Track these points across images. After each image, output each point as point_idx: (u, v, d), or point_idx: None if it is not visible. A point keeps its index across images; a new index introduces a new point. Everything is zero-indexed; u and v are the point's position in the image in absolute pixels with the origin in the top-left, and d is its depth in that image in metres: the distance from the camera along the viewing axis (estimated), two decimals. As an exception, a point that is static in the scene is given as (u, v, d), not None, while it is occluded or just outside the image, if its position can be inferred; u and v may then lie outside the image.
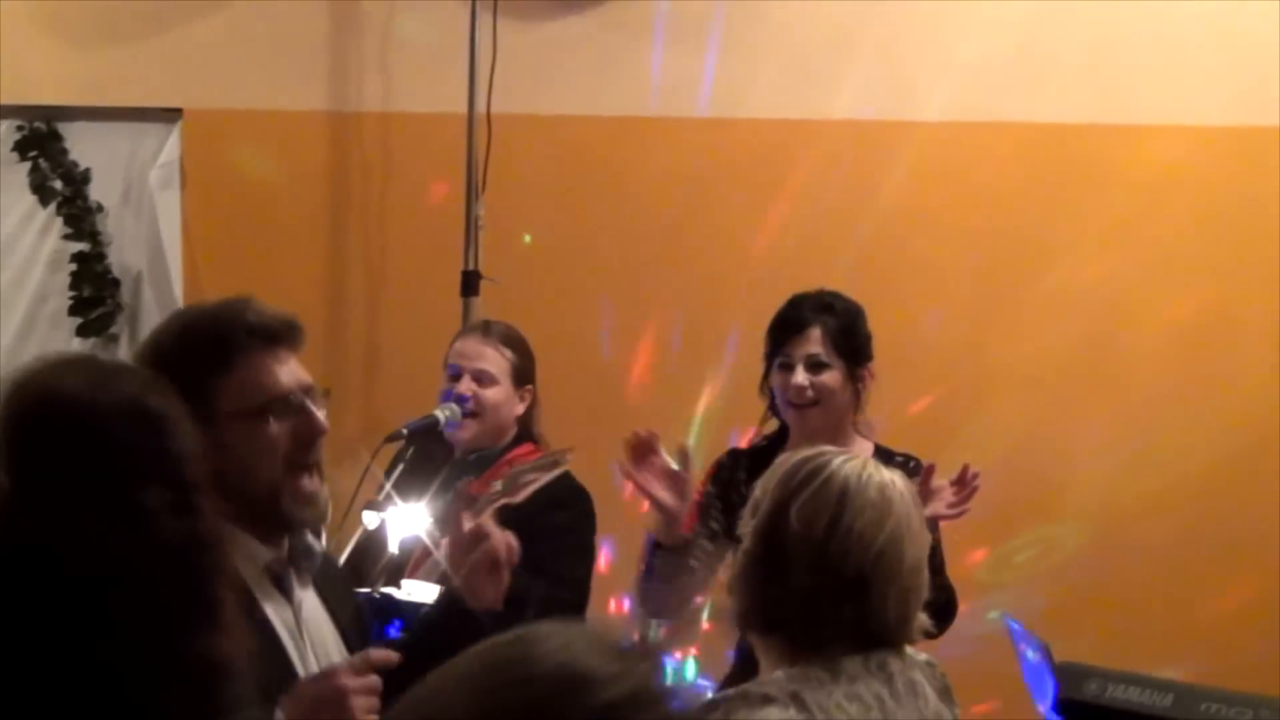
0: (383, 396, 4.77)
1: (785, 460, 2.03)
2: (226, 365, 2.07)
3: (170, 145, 4.99)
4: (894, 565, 1.95)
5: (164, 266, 4.82)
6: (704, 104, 4.65)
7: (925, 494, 3.03)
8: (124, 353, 4.71)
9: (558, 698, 1.02)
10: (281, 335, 2.14)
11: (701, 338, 4.59)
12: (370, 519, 3.16)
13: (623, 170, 4.68)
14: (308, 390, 2.14)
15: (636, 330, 4.62)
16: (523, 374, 3.59)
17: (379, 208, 4.93)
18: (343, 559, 2.95)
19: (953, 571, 3.21)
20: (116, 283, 4.77)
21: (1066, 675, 2.85)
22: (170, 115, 4.98)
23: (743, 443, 3.69)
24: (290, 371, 2.12)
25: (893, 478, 2.00)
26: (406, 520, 3.16)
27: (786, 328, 3.29)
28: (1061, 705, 2.76)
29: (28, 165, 4.92)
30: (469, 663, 1.06)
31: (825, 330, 3.25)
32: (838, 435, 3.21)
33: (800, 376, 3.24)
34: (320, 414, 2.13)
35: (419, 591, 2.84)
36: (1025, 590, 4.18)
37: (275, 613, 2.16)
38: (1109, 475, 4.29)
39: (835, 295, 3.34)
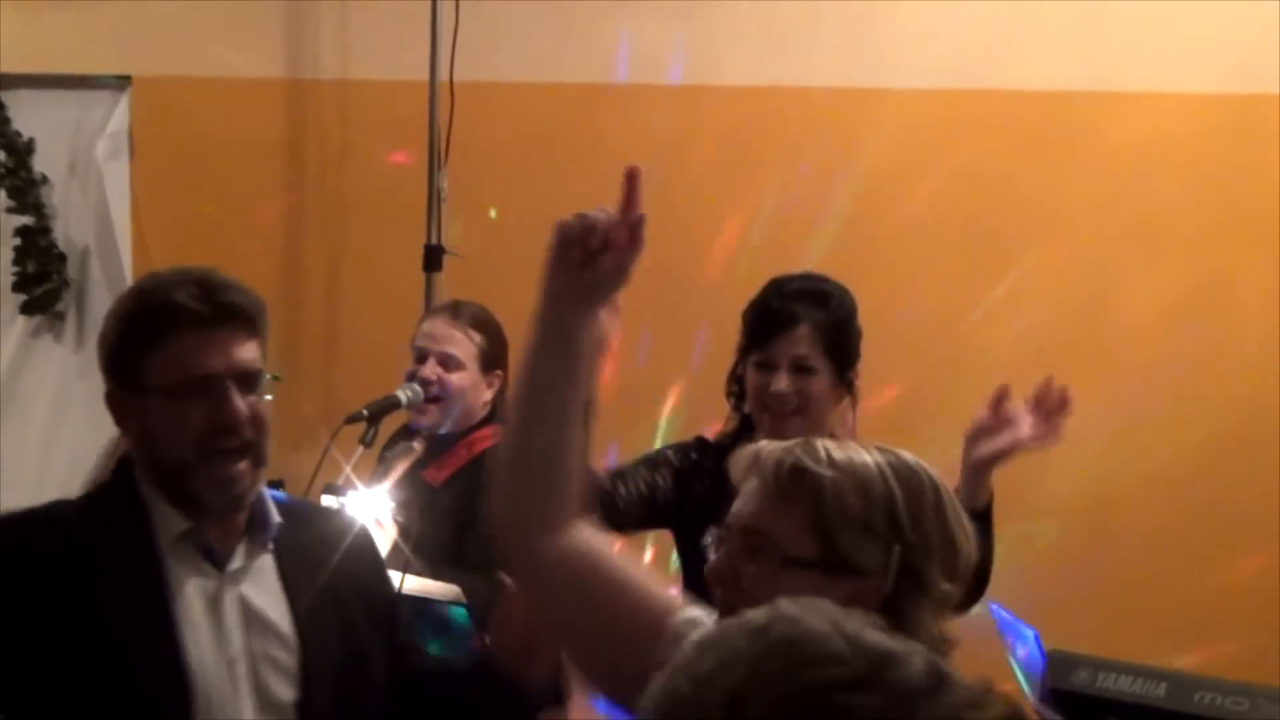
0: (342, 375, 4.78)
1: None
2: (157, 341, 2.17)
3: (119, 114, 4.97)
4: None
5: (112, 241, 4.80)
6: (676, 71, 4.64)
7: (997, 423, 2.78)
8: (70, 331, 4.74)
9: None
10: (222, 317, 2.21)
11: (671, 319, 4.55)
12: (329, 503, 3.17)
13: (592, 140, 4.65)
14: (242, 375, 2.21)
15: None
16: (492, 359, 3.59)
17: (337, 179, 4.94)
18: None
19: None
20: (63, 258, 4.74)
21: (1055, 664, 2.76)
22: (119, 83, 4.97)
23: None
24: (224, 354, 2.21)
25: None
26: (367, 505, 3.18)
27: (770, 322, 2.93)
28: (1050, 695, 2.65)
29: None
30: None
31: (816, 328, 2.90)
32: None
33: (783, 382, 2.90)
34: (245, 400, 2.18)
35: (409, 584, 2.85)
36: (1012, 578, 4.11)
37: (191, 583, 2.25)
38: (1098, 456, 4.20)
39: (827, 283, 3.00)
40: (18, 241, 4.79)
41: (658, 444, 3.69)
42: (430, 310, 3.88)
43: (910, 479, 1.76)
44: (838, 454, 1.75)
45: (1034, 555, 4.09)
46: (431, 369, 3.54)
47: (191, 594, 2.25)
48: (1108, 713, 2.56)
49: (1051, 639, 2.46)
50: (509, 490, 1.87)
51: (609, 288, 1.87)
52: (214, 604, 2.25)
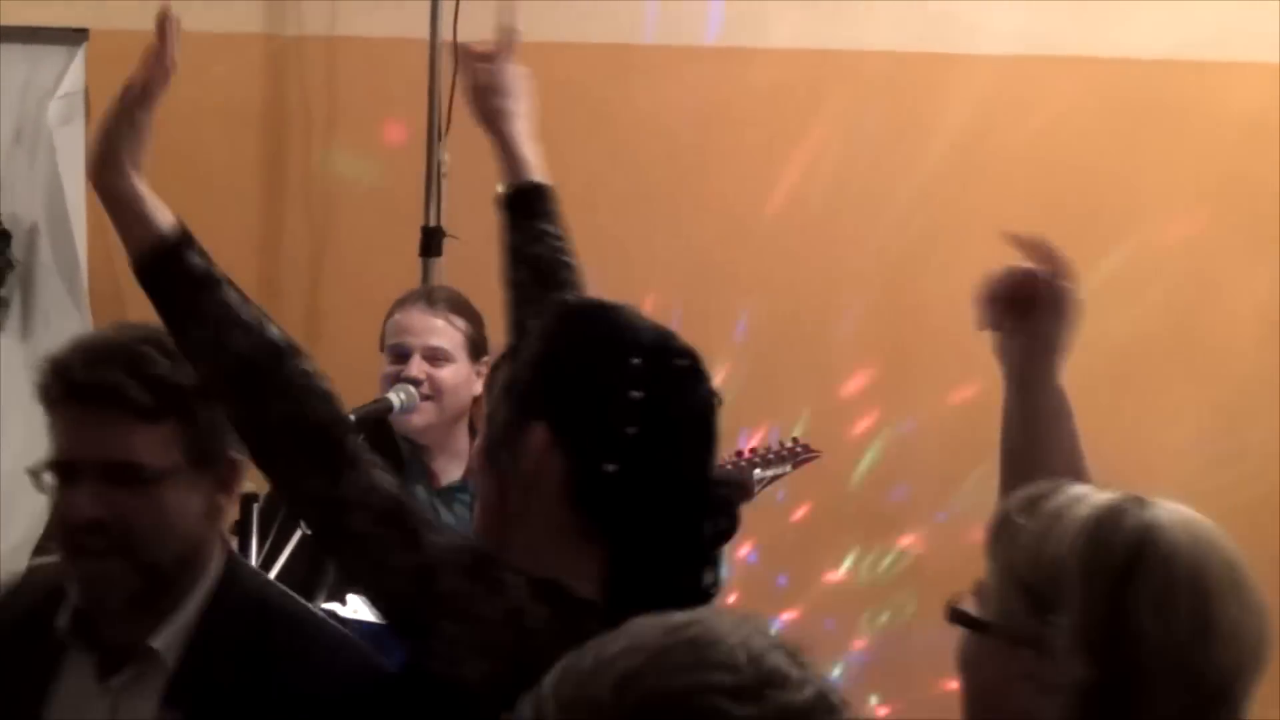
0: (326, 372, 4.58)
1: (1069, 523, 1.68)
2: (49, 411, 2.20)
3: (73, 72, 4.71)
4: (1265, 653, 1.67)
5: (64, 216, 4.61)
6: (713, 31, 4.66)
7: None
8: (15, 318, 4.61)
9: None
10: (93, 396, 2.17)
11: (708, 307, 4.46)
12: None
13: (616, 109, 4.62)
14: (111, 468, 2.13)
15: (630, 299, 4.53)
16: (479, 345, 3.58)
17: (324, 151, 4.80)
18: (277, 567, 3.03)
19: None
20: (7, 235, 4.55)
21: None
22: (74, 37, 4.74)
23: (751, 446, 3.73)
24: (84, 439, 2.16)
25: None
26: None
27: None
28: None
29: None
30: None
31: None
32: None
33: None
34: (108, 497, 2.11)
35: (365, 610, 2.80)
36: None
37: (68, 690, 2.25)
38: (1194, 478, 4.06)
39: None
40: None
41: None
42: (398, 302, 3.81)
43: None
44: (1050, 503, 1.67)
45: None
46: (419, 367, 3.49)
47: (63, 701, 2.22)
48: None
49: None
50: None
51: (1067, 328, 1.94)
52: (80, 715, 2.22)
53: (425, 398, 3.52)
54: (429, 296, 3.69)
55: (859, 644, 4.34)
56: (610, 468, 1.74)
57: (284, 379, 2.03)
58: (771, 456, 3.95)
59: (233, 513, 2.50)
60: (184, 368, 2.18)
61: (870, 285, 4.67)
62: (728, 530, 2.03)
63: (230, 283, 2.07)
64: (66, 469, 2.12)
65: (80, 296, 4.33)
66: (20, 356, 4.50)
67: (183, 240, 2.04)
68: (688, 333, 4.53)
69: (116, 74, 4.58)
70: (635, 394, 1.76)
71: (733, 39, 4.61)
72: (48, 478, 2.15)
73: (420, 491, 3.64)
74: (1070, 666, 1.53)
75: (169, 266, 2.04)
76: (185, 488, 2.17)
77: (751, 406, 4.32)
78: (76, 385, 2.14)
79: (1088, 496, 1.60)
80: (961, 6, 4.45)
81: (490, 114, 2.52)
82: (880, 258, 4.58)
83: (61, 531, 2.15)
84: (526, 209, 2.51)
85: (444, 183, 4.49)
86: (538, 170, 2.51)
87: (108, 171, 2.06)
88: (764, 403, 4.47)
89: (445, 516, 3.58)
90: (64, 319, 4.41)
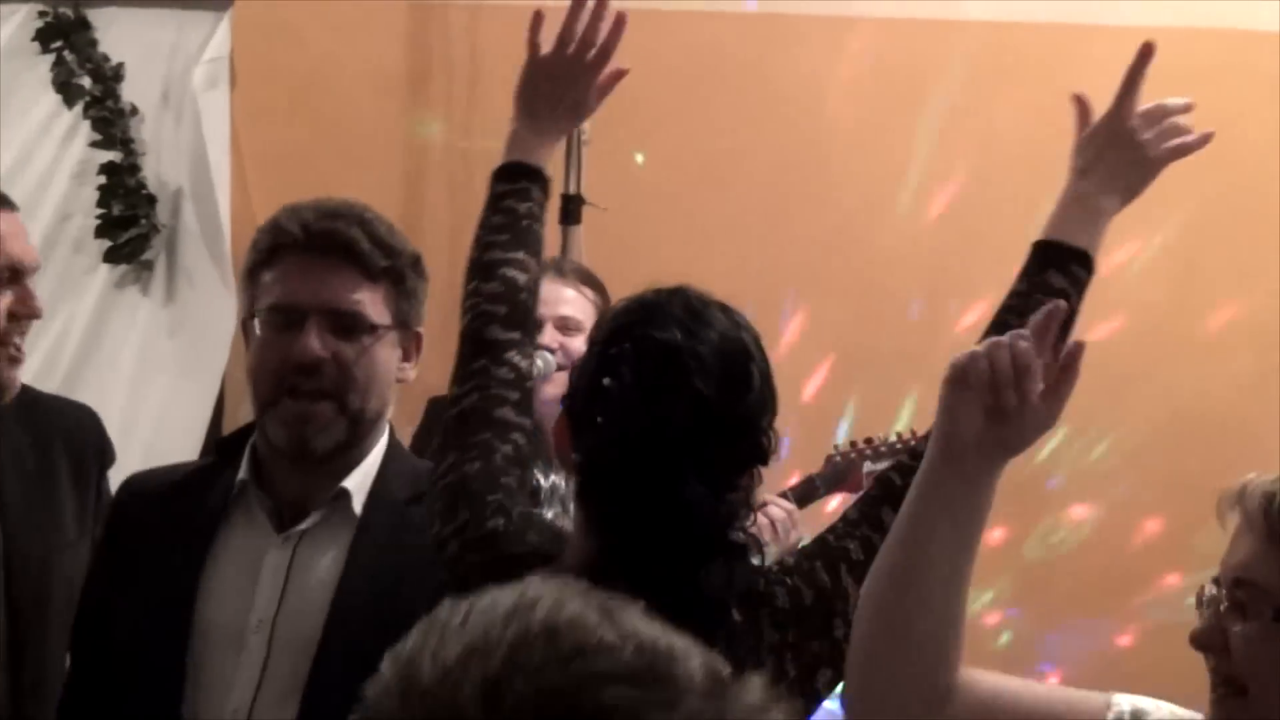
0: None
1: None
2: (265, 264, 2.35)
3: (219, 38, 4.79)
4: None
5: (208, 181, 4.66)
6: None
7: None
8: (160, 282, 4.65)
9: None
10: (320, 248, 2.35)
11: (850, 293, 4.39)
12: None
13: (763, 77, 4.57)
14: (332, 314, 2.30)
15: (770, 278, 4.40)
16: None
17: (465, 115, 4.85)
18: None
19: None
20: (152, 199, 4.61)
21: None
22: (220, 3, 4.81)
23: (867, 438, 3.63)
24: (314, 288, 2.32)
25: None
26: None
27: None
28: None
29: (51, 58, 4.79)
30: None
31: None
32: None
33: None
34: (331, 343, 2.28)
35: None
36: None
37: (237, 538, 2.38)
38: None
39: None
40: (103, 180, 4.67)
41: (811, 428, 3.78)
42: (556, 269, 3.82)
43: None
44: None
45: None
46: (551, 336, 3.42)
47: (233, 550, 2.37)
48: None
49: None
50: (878, 663, 1.75)
51: (1037, 430, 1.69)
52: (254, 564, 2.35)
53: (559, 367, 3.44)
54: (559, 267, 3.63)
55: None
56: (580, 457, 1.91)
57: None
58: (884, 450, 3.85)
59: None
60: (401, 238, 2.39)
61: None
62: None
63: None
64: (292, 313, 2.26)
65: (223, 261, 4.39)
66: (163, 321, 4.59)
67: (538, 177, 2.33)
68: (802, 318, 4.55)
69: (259, 40, 4.49)
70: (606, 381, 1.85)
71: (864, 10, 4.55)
72: (257, 324, 2.29)
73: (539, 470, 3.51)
74: None
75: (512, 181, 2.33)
76: (389, 346, 2.34)
77: (859, 382, 4.29)
78: (312, 234, 2.30)
79: None
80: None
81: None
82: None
83: (279, 372, 2.24)
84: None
85: (584, 150, 4.42)
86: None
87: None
88: (875, 380, 4.35)
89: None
90: (207, 283, 4.48)
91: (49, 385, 4.07)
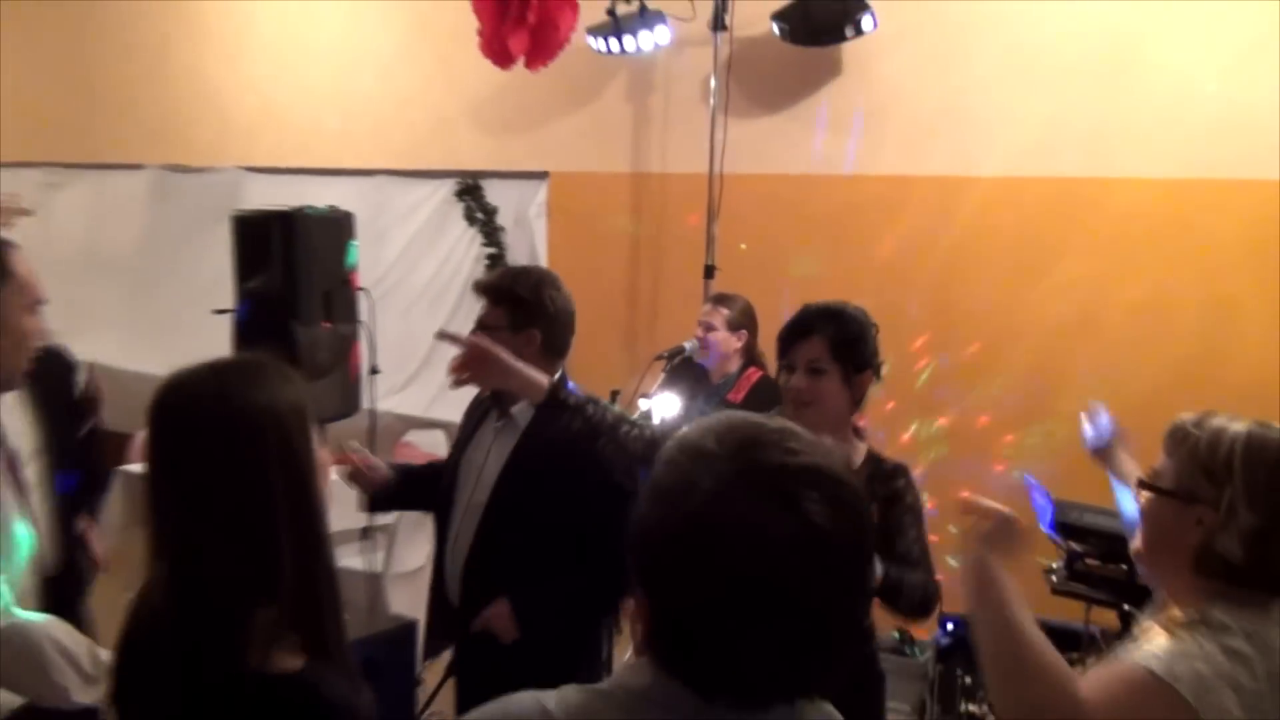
0: (659, 336, 5.76)
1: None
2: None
3: (541, 194, 6.08)
4: None
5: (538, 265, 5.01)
6: (850, 164, 5.46)
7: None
8: None
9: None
10: (482, 291, 2.93)
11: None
12: (643, 404, 4.18)
13: (808, 212, 5.52)
14: (483, 325, 2.89)
15: None
16: (734, 323, 4.61)
17: (656, 229, 5.89)
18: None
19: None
20: None
21: (1059, 506, 3.47)
22: (542, 175, 6.09)
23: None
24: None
25: None
26: (663, 405, 4.13)
27: (791, 333, 3.03)
28: (1055, 525, 3.40)
29: (463, 205, 6.29)
30: None
31: (827, 338, 2.95)
32: (835, 437, 2.92)
33: (798, 380, 2.97)
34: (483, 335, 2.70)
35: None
36: None
37: (491, 418, 3.00)
38: None
39: (845, 306, 3.04)
40: (487, 263, 6.16)
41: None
42: (705, 299, 4.88)
43: (1261, 450, 1.86)
44: (1211, 421, 1.90)
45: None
46: (701, 332, 4.52)
47: (487, 424, 3.04)
48: (1087, 536, 3.18)
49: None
50: (1017, 698, 1.84)
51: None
52: (490, 432, 2.97)
53: (703, 348, 4.47)
54: (715, 298, 4.59)
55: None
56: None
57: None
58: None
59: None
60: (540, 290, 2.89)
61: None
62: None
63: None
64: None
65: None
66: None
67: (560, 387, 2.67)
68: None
69: (565, 196, 6.42)
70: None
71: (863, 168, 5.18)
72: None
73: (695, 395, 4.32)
74: (1244, 517, 1.83)
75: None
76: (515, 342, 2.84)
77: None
78: (481, 286, 2.85)
79: (1234, 418, 1.89)
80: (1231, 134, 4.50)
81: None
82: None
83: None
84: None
85: (715, 244, 5.39)
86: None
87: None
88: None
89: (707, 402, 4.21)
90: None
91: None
